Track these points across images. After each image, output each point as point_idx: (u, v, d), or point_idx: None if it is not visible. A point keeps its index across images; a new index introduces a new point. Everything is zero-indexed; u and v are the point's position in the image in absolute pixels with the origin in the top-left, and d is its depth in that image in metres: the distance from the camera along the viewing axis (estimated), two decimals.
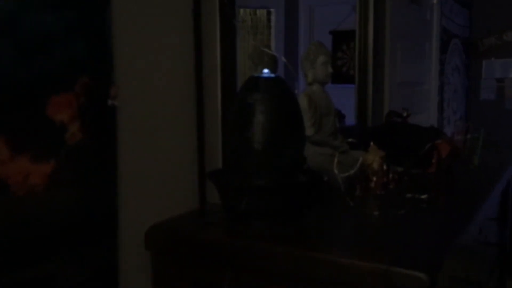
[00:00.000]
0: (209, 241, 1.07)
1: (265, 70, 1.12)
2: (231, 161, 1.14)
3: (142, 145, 1.16)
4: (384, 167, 1.42)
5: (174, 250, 1.11)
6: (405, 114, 1.96)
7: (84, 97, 0.99)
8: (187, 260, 1.09)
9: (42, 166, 0.92)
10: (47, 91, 0.92)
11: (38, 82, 0.91)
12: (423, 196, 1.34)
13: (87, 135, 1.00)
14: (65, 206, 0.98)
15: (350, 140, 1.50)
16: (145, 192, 1.17)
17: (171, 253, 1.11)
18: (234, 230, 1.10)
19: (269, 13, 1.85)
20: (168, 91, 1.22)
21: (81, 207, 1.01)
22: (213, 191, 1.19)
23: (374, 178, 1.41)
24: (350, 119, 2.16)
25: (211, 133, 1.32)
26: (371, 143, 1.45)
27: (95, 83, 1.01)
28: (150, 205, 1.18)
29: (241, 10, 1.77)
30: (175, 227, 1.14)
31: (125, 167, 1.10)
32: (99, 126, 1.03)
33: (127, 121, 1.11)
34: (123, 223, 1.10)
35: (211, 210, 1.25)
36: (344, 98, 2.11)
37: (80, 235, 1.01)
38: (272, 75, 1.13)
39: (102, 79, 1.03)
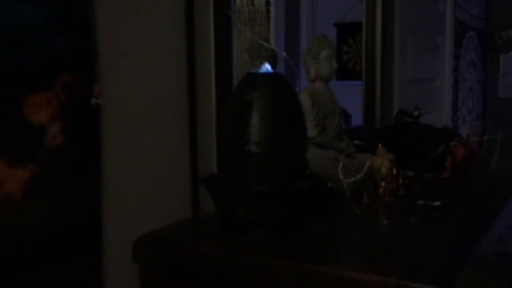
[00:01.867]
0: (203, 253, 1.06)
1: (264, 66, 1.12)
2: (227, 166, 1.14)
3: (129, 148, 1.15)
4: (394, 171, 1.42)
5: (165, 263, 1.11)
6: (416, 114, 1.96)
7: (65, 96, 0.98)
8: (178, 274, 1.09)
9: (18, 172, 0.91)
10: (24, 90, 0.92)
11: (14, 80, 0.90)
12: (436, 203, 1.34)
13: (68, 137, 0.99)
14: (44, 216, 0.97)
15: (356, 142, 1.50)
16: (132, 200, 1.16)
17: (161, 266, 1.11)
18: (230, 241, 1.10)
19: (268, 3, 1.84)
20: (157, 88, 1.22)
21: (62, 217, 1.00)
22: (207, 199, 1.18)
23: (383, 184, 1.41)
24: (357, 119, 2.16)
25: (205, 134, 1.32)
26: (379, 146, 1.45)
27: (77, 80, 1.00)
28: (137, 214, 1.17)
29: (238, 0, 1.77)
30: (166, 238, 1.14)
31: (111, 172, 1.10)
32: (81, 128, 1.03)
33: (113, 121, 1.10)
34: (108, 234, 1.09)
35: (205, 219, 1.25)
36: (349, 96, 2.11)
37: (61, 247, 1.00)
38: (272, 71, 1.13)
39: (85, 76, 1.03)
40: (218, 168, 1.33)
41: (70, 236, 1.02)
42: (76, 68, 1.01)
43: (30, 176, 0.93)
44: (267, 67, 1.13)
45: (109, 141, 1.09)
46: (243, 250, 1.04)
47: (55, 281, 1.00)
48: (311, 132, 1.41)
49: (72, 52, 1.00)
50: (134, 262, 1.12)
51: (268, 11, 1.81)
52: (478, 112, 4.07)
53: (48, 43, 0.96)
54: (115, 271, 1.11)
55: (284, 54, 1.32)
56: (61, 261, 1.00)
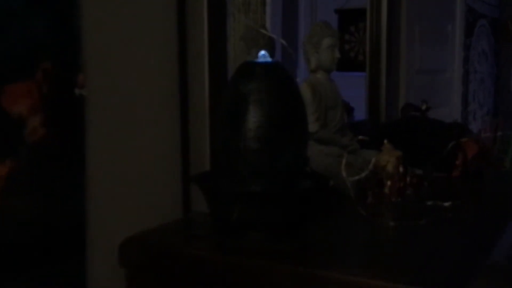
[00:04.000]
0: (195, 257, 1.06)
1: (262, 54, 1.12)
2: (221, 163, 1.14)
3: (115, 143, 1.15)
4: (401, 169, 1.42)
5: (154, 267, 1.10)
6: (424, 108, 1.97)
7: (46, 86, 0.98)
8: (168, 279, 1.09)
9: None
10: (1, 79, 0.91)
11: None
12: (446, 204, 1.34)
13: (50, 130, 0.99)
14: (23, 215, 0.97)
15: (361, 137, 1.50)
16: (118, 199, 1.16)
17: (150, 271, 1.11)
18: (224, 244, 1.09)
19: None
20: (146, 79, 1.21)
21: (43, 216, 1.00)
22: (200, 198, 1.18)
23: (389, 183, 1.41)
24: (360, 113, 2.16)
25: (197, 129, 1.32)
26: (385, 142, 1.45)
27: (59, 69, 1.00)
28: (124, 214, 1.17)
29: None
30: (155, 240, 1.14)
31: (95, 169, 1.10)
32: (64, 120, 1.03)
33: (98, 114, 1.10)
34: (92, 235, 1.09)
35: (198, 220, 1.25)
36: (352, 88, 2.11)
37: (41, 249, 1.00)
38: (270, 60, 1.12)
39: (68, 65, 1.03)
40: (211, 165, 1.33)
41: (52, 238, 1.02)
42: (59, 56, 1.00)
43: (9, 172, 0.93)
44: (265, 56, 1.13)
45: (94, 135, 1.09)
46: (238, 253, 1.04)
47: (35, 286, 0.99)
48: (312, 127, 1.41)
49: (54, 38, 1.00)
50: (120, 266, 1.12)
51: None
52: (489, 106, 4.08)
53: (28, 28, 0.95)
54: (100, 275, 1.11)
55: (282, 41, 1.32)
56: (41, 264, 1.00)
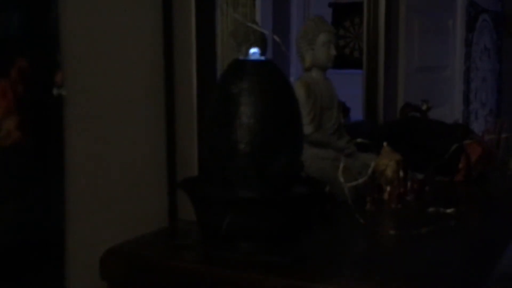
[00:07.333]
0: (181, 269, 1.06)
1: (253, 51, 1.12)
2: (210, 167, 1.14)
3: (96, 147, 1.15)
4: (401, 174, 1.43)
5: (137, 280, 1.10)
6: (424, 108, 1.98)
7: (22, 85, 0.97)
8: None
9: None
10: None
11: None
12: (449, 211, 1.35)
13: (26, 134, 0.98)
14: None
15: (359, 140, 1.50)
16: (100, 207, 1.16)
17: (133, 283, 1.10)
18: (213, 255, 1.09)
19: None
20: (129, 77, 1.21)
21: (18, 226, 0.99)
22: (187, 205, 1.18)
23: (388, 188, 1.42)
24: (356, 114, 2.16)
25: (184, 131, 1.31)
26: (384, 144, 1.46)
27: (36, 66, 1.00)
28: (106, 223, 1.17)
29: None
30: (138, 251, 1.14)
31: (75, 175, 1.09)
32: (41, 123, 1.02)
33: (78, 115, 1.09)
34: (72, 246, 1.09)
35: (184, 229, 1.25)
36: (347, 87, 2.11)
37: (16, 262, 0.99)
38: (262, 58, 1.12)
39: (46, 62, 1.02)
40: (199, 170, 1.32)
41: (28, 249, 1.01)
42: (35, 52, 1.00)
43: None
44: (256, 53, 1.12)
45: (74, 139, 1.09)
46: (228, 265, 1.04)
47: None
48: (306, 128, 1.40)
49: (30, 32, 0.99)
50: (102, 279, 1.11)
51: None
52: (492, 105, 4.11)
53: (1, 21, 0.94)
54: None
55: (276, 38, 1.31)
56: (16, 277, 0.99)
